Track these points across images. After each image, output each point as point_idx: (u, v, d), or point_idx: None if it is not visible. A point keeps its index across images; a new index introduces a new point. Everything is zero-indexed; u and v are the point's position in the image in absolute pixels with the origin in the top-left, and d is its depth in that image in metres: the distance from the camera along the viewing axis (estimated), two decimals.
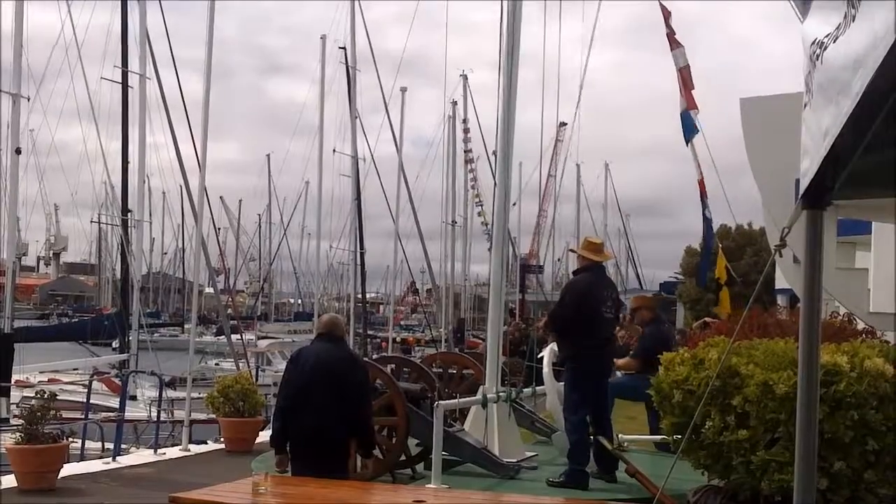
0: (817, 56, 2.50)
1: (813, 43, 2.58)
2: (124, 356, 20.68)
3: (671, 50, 10.26)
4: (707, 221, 11.34)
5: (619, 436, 9.43)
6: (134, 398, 18.45)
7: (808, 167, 2.79)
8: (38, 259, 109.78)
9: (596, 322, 8.39)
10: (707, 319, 13.93)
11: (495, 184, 10.76)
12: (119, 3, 21.94)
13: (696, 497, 5.93)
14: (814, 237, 3.12)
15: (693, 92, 10.50)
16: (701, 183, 11.04)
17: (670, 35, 10.25)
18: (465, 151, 47.70)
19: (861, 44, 2.02)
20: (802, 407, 3.21)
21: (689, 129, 10.38)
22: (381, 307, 71.55)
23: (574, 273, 9.61)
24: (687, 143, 10.50)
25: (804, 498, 3.28)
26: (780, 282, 15.66)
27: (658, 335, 10.23)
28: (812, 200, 3.04)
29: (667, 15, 10.25)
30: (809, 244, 3.12)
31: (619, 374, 10.63)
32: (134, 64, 21.29)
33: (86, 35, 21.50)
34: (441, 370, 10.53)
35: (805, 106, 2.75)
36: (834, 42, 2.31)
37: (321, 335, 6.67)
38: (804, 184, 2.92)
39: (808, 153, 2.81)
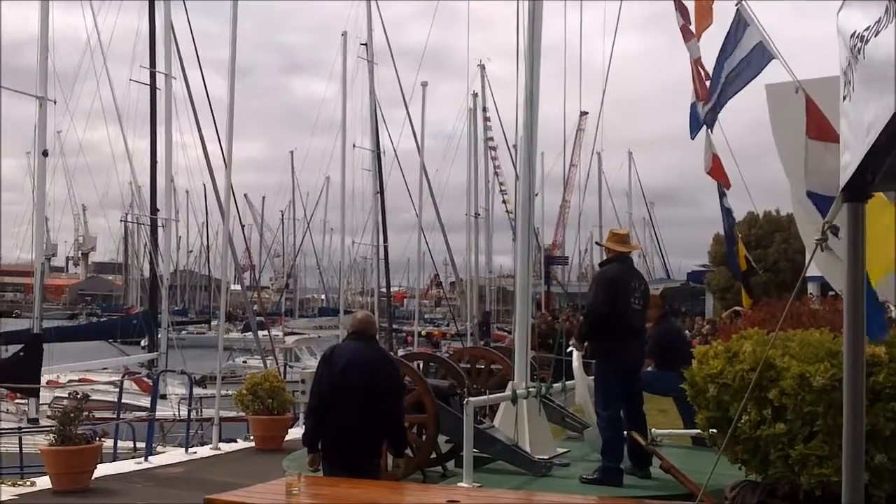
0: (859, 50, 2.44)
1: (853, 36, 2.52)
2: (153, 355, 20.84)
3: (685, 42, 10.19)
4: (725, 211, 11.23)
5: (653, 430, 9.34)
6: (164, 397, 18.59)
7: (850, 161, 2.74)
8: (67, 259, 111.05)
9: (625, 314, 8.28)
10: (737, 308, 13.77)
11: (517, 177, 10.69)
12: (147, 4, 22.08)
13: (734, 492, 5.84)
14: (856, 229, 3.06)
15: (708, 82, 10.42)
16: (716, 173, 10.92)
17: (684, 27, 10.19)
18: (486, 140, 47.65)
19: None
20: (849, 399, 3.16)
21: (696, 122, 10.29)
22: (405, 300, 71.58)
23: (601, 265, 9.46)
24: (693, 137, 10.39)
25: (853, 496, 3.22)
26: (812, 269, 15.47)
27: (667, 334, 10.23)
28: (853, 193, 2.98)
29: (683, 10, 10.20)
30: (851, 237, 3.07)
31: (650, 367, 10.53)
32: (159, 64, 21.43)
33: (111, 37, 21.70)
34: (469, 365, 10.49)
35: (844, 98, 2.69)
36: (875, 36, 2.25)
37: (354, 334, 6.64)
38: (845, 177, 2.87)
39: (848, 146, 2.75)
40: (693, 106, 10.45)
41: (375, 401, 6.31)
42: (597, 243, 10.30)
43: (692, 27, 10.19)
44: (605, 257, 9.12)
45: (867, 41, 2.41)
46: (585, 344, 8.92)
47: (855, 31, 2.56)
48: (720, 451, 5.24)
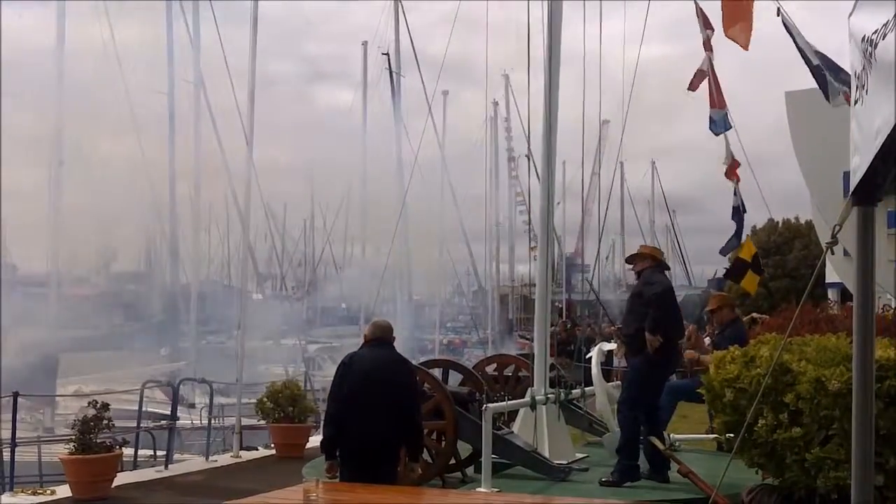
0: (870, 54, 2.47)
1: (863, 40, 2.54)
2: (179, 364, 20.94)
3: (706, 51, 10.41)
4: (736, 210, 11.47)
5: (671, 436, 9.33)
6: (193, 406, 18.67)
7: (859, 164, 2.75)
8: (90, 269, 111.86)
9: (672, 320, 8.34)
10: (755, 315, 13.73)
11: (530, 186, 10.73)
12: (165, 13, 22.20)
13: (751, 496, 5.85)
14: (865, 234, 3.07)
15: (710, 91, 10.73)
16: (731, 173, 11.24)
17: (706, 41, 10.40)
18: (508, 149, 47.58)
19: None
20: (858, 402, 3.16)
21: (721, 125, 10.57)
22: (427, 309, 71.41)
23: (638, 272, 9.06)
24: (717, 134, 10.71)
25: (862, 495, 3.23)
26: (831, 276, 15.37)
27: (740, 335, 10.03)
28: (863, 197, 2.99)
29: (706, 21, 10.38)
30: (861, 241, 3.07)
31: (673, 377, 10.44)
32: (187, 74, 21.60)
33: (137, 47, 21.92)
34: (497, 373, 10.52)
35: (856, 102, 2.71)
36: (883, 39, 2.28)
37: (370, 340, 6.67)
38: (854, 181, 2.88)
39: (858, 150, 2.77)
40: (716, 112, 10.66)
41: (396, 406, 6.33)
42: (627, 260, 9.90)
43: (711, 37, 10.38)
44: (627, 268, 9.10)
45: (876, 45, 2.44)
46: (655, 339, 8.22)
47: (864, 35, 2.58)
48: (732, 453, 5.25)
